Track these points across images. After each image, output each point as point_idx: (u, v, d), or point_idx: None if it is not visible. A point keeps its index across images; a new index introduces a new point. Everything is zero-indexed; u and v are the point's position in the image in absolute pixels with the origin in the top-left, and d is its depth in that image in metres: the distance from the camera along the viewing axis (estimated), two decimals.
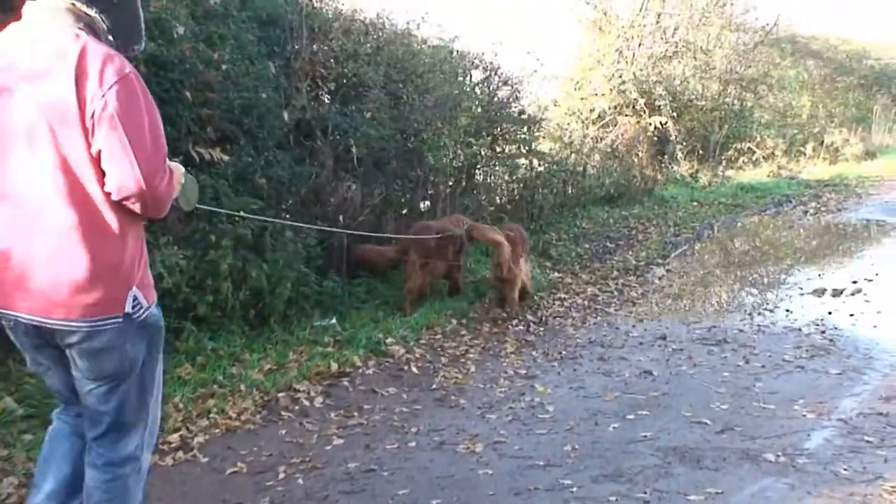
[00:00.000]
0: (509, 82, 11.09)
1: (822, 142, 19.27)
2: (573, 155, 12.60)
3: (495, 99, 10.80)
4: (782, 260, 9.66)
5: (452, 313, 6.57)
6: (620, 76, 15.23)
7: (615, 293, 7.91)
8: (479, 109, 10.44)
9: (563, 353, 6.02)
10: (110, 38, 2.54)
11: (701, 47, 17.95)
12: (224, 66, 5.73)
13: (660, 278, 8.58)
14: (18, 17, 2.47)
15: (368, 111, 7.02)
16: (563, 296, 7.70)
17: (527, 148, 11.07)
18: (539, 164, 11.14)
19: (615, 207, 12.12)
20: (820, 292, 7.81)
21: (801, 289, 8.07)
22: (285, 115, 6.29)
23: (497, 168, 10.11)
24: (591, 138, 14.19)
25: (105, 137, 2.34)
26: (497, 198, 9.86)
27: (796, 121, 20.38)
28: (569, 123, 14.23)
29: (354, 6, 8.66)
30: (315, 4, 7.86)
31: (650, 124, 14.97)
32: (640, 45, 16.75)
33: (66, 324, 2.43)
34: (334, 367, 5.22)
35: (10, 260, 2.42)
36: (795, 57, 21.96)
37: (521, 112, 10.96)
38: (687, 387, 5.23)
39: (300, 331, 5.75)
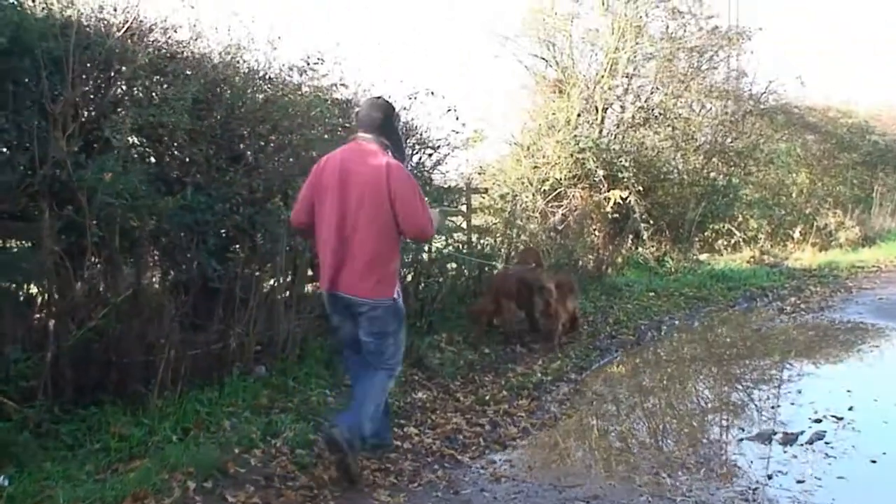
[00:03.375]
0: (428, 145, 9.26)
1: (813, 224, 17.11)
2: (502, 231, 10.62)
3: (413, 166, 8.94)
4: (731, 381, 7.53)
5: (195, 470, 4.41)
6: (577, 143, 13.23)
7: (487, 428, 5.78)
8: None
9: None
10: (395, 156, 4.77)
11: (680, 114, 16.06)
12: None
13: (560, 404, 6.46)
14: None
15: (108, 171, 4.97)
16: (411, 430, 5.59)
17: None
18: (445, 245, 9.16)
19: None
20: (766, 438, 5.66)
21: (744, 429, 5.94)
22: None
23: None
24: (539, 213, 12.23)
25: (402, 207, 4.56)
26: None
27: (789, 200, 18.32)
28: (515, 195, 12.20)
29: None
30: (103, 30, 5.88)
31: (608, 199, 12.92)
32: (605, 110, 14.92)
33: (364, 300, 4.63)
34: None
35: (344, 267, 4.61)
36: (791, 130, 20.02)
37: (427, 182, 9.02)
38: None
39: None
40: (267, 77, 7.33)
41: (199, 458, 4.50)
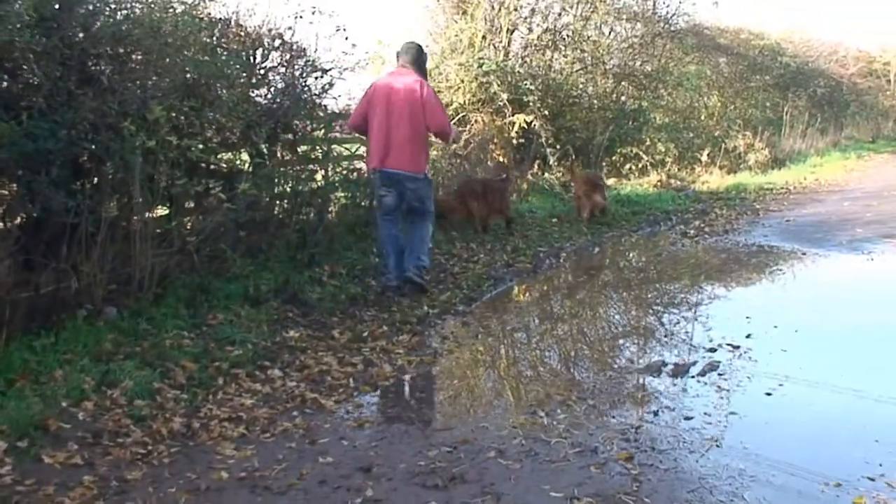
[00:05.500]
0: (317, 67, 8.58)
1: (722, 147, 16.91)
2: None
3: (300, 89, 8.32)
4: (627, 309, 7.25)
5: (8, 428, 3.87)
6: (481, 66, 12.68)
7: (360, 368, 5.34)
8: (267, 100, 8.10)
9: None
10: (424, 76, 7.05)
11: (588, 37, 15.60)
12: None
13: (443, 339, 6.05)
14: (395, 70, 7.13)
15: None
16: (275, 373, 5.13)
17: (321, 151, 8.59)
18: (333, 173, 8.63)
19: (442, 226, 9.55)
20: (656, 370, 5.35)
21: (633, 361, 5.64)
22: None
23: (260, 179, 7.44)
24: None
25: (430, 111, 6.81)
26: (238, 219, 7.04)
27: (699, 123, 18.08)
28: None
29: None
30: None
31: (512, 124, 12.46)
32: (511, 32, 14.34)
33: (407, 173, 6.82)
34: None
35: (390, 152, 6.78)
36: (702, 52, 19.73)
37: (313, 105, 8.40)
38: None
39: None
40: None
41: (15, 415, 3.96)
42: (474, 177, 10.67)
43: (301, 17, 8.35)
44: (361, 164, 9.50)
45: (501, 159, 12.43)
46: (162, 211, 6.73)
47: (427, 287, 7.07)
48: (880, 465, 3.92)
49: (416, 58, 7.06)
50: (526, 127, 12.57)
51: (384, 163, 6.83)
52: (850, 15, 49.73)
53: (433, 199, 7.34)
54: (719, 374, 5.24)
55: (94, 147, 5.81)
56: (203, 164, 7.11)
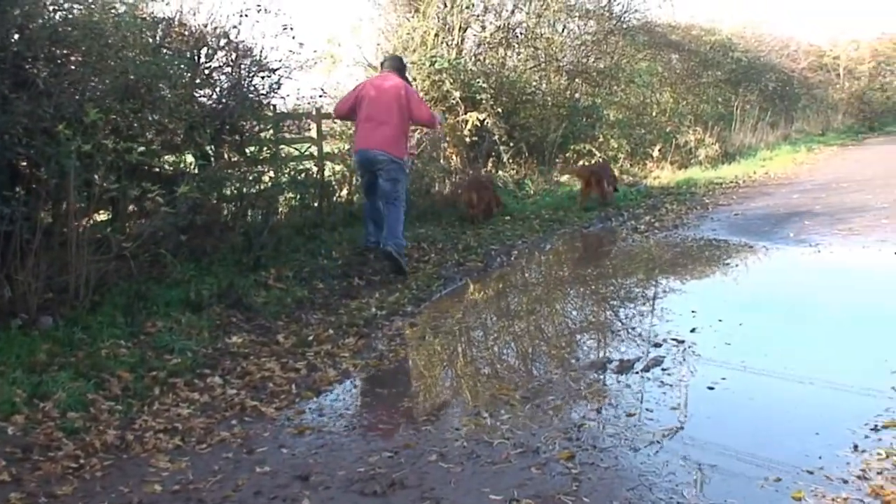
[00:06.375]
0: (264, 67, 8.48)
1: (673, 143, 17.00)
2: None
3: (246, 89, 8.22)
4: (575, 307, 7.23)
5: None
6: (433, 64, 12.65)
7: (303, 373, 5.26)
8: (212, 100, 8.00)
9: None
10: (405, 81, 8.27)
11: (541, 34, 15.63)
12: None
13: (389, 340, 5.99)
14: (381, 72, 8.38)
15: None
16: (215, 381, 5.03)
17: (268, 152, 8.49)
18: (281, 174, 8.53)
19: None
20: (600, 366, 5.33)
21: (579, 358, 5.61)
22: None
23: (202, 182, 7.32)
24: None
25: (414, 106, 7.93)
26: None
27: (653, 119, 18.20)
28: None
29: None
30: None
31: (465, 122, 12.44)
32: (464, 30, 14.31)
33: (387, 155, 7.71)
34: None
35: (376, 136, 7.74)
36: (654, 49, 19.85)
37: (259, 105, 8.31)
38: None
39: None
40: None
41: None
42: (479, 174, 11.91)
43: (246, 15, 8.25)
44: (311, 165, 9.44)
45: (454, 157, 12.40)
46: (103, 216, 6.62)
47: (405, 268, 7.75)
48: (819, 457, 3.90)
49: (398, 66, 8.30)
50: (479, 125, 12.56)
51: (368, 145, 7.76)
52: (802, 11, 50.27)
53: (406, 187, 8.21)
54: (663, 370, 5.22)
55: (30, 152, 5.66)
56: (145, 167, 6.99)
